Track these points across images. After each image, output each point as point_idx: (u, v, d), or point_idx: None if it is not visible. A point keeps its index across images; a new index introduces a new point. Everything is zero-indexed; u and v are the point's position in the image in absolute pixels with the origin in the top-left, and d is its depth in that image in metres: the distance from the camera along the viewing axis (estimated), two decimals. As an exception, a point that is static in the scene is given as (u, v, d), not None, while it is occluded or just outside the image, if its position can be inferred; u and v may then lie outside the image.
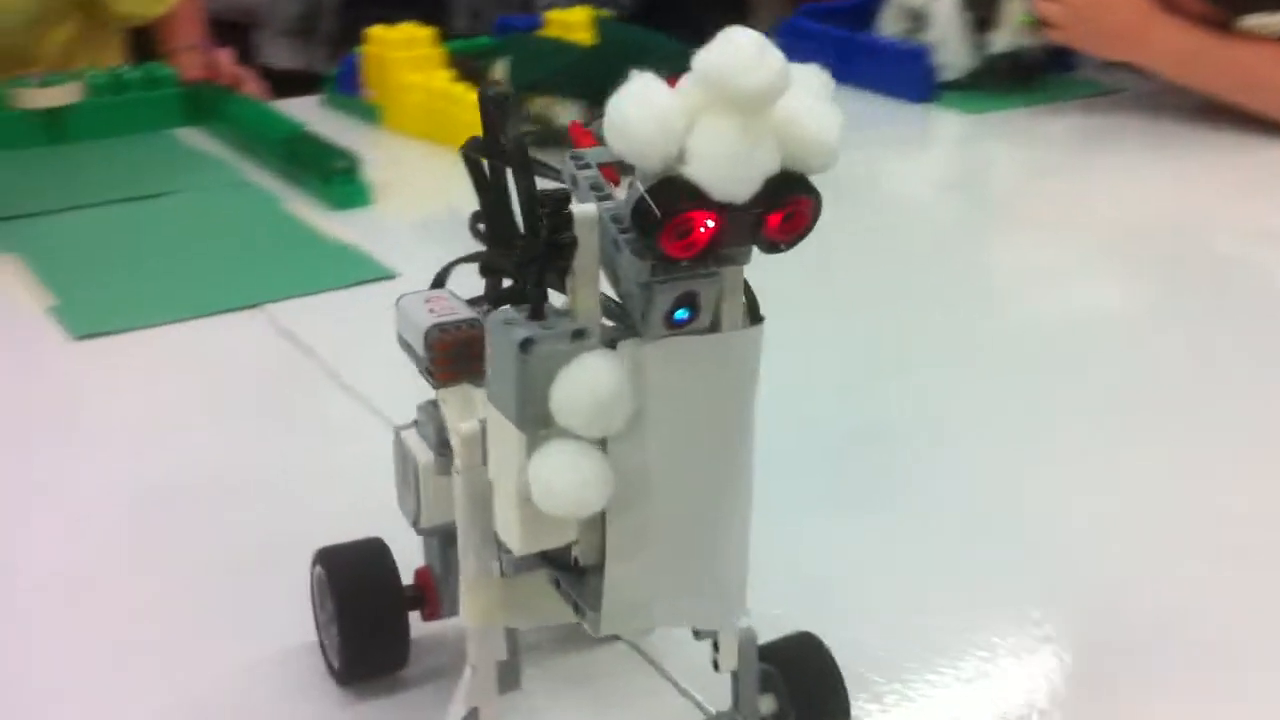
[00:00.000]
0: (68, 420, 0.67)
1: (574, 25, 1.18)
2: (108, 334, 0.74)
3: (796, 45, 1.30)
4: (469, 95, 1.06)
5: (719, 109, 0.30)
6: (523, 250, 0.35)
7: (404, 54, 1.13)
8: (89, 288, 0.80)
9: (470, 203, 0.39)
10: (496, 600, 0.37)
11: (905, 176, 1.12)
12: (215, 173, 1.02)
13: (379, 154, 1.04)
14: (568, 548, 0.35)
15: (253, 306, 0.78)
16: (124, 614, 0.51)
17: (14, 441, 0.64)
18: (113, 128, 1.11)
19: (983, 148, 1.18)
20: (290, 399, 0.69)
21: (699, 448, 0.34)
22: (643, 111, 0.31)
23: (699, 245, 0.31)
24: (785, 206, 0.32)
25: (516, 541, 0.34)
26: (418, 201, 0.98)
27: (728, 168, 0.30)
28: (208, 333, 0.75)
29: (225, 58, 1.20)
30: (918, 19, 1.26)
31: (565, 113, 1.04)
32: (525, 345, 0.32)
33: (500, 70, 1.09)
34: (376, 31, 1.15)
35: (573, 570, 0.35)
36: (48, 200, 0.95)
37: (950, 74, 1.23)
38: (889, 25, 1.29)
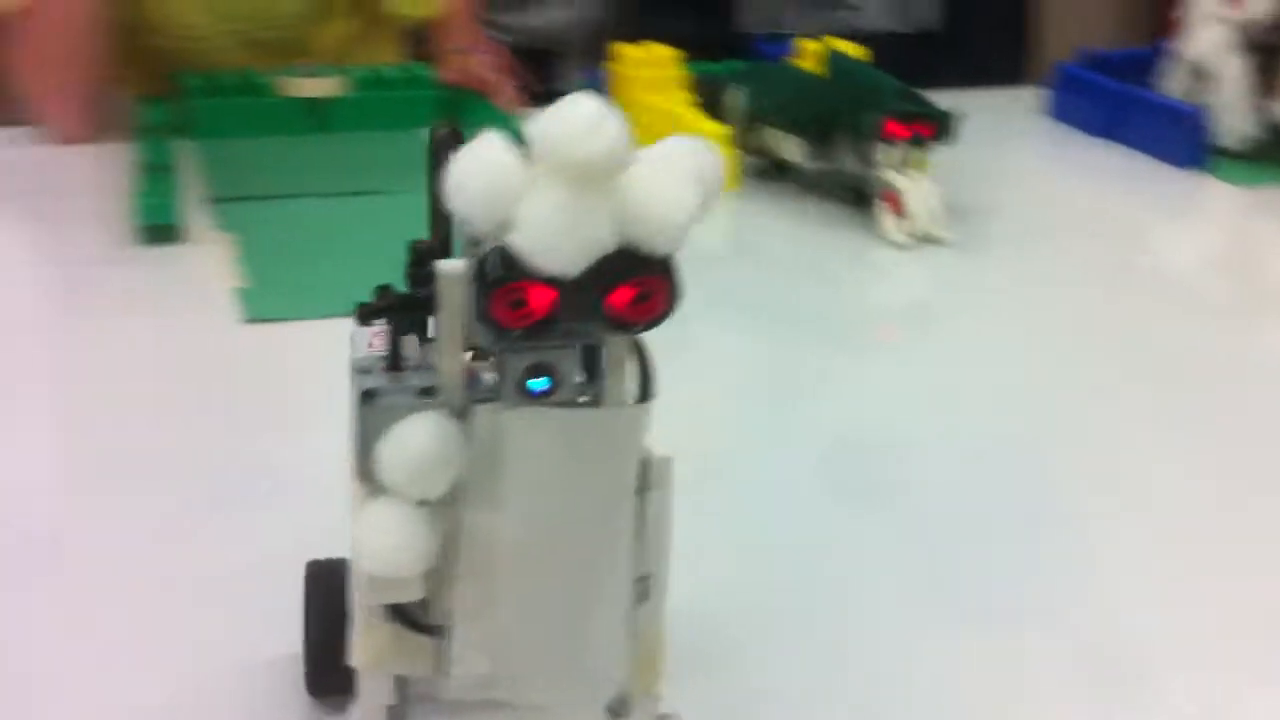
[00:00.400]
0: (208, 400, 0.70)
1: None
2: (276, 320, 0.78)
3: (1069, 93, 1.24)
4: (698, 121, 1.06)
5: (552, 177, 0.29)
6: (378, 299, 0.34)
7: (644, 73, 1.14)
8: (277, 274, 0.85)
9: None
10: (388, 644, 0.37)
11: (1163, 246, 1.05)
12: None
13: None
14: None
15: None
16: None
17: (155, 412, 0.68)
18: (371, 122, 1.17)
19: (1256, 225, 1.09)
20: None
21: (563, 522, 0.33)
22: (477, 172, 0.30)
23: (535, 316, 0.30)
24: (628, 285, 0.30)
25: (359, 592, 0.34)
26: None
27: (549, 239, 0.29)
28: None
29: (486, 63, 1.23)
30: (1202, 78, 1.17)
31: (789, 146, 1.03)
32: (366, 396, 0.32)
33: (735, 98, 1.08)
34: (623, 49, 1.16)
35: (423, 628, 0.34)
36: (283, 185, 1.01)
37: (1228, 141, 1.14)
38: (1171, 82, 1.20)
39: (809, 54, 1.19)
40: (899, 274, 0.93)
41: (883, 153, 0.95)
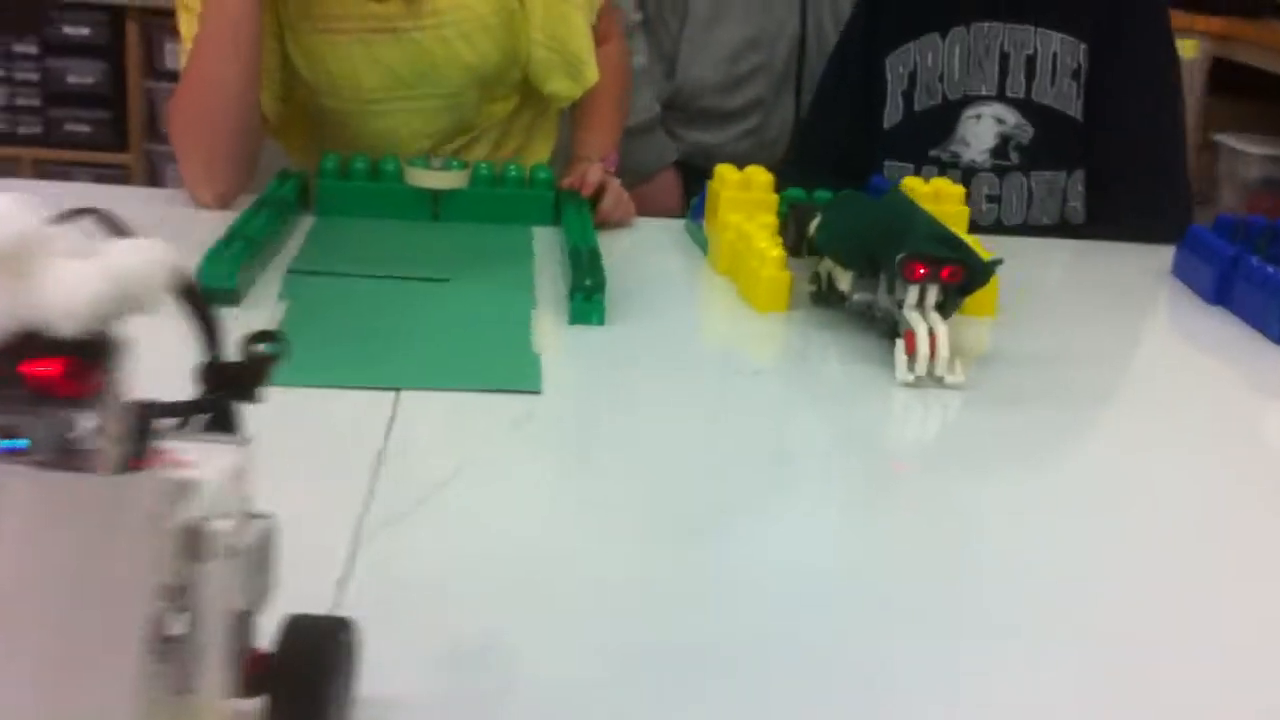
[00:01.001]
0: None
1: (922, 194, 1.16)
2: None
3: (1191, 253, 1.19)
4: (762, 242, 1.08)
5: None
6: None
7: (734, 193, 1.17)
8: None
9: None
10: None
11: (1252, 426, 0.99)
12: (514, 270, 1.11)
13: (675, 283, 1.10)
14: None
15: (390, 389, 0.86)
16: None
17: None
18: (484, 215, 1.25)
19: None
20: (318, 474, 0.75)
21: (35, 583, 0.37)
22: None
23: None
24: (35, 360, 0.34)
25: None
26: (654, 331, 1.02)
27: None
28: (320, 402, 0.83)
29: (597, 170, 1.29)
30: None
31: (843, 276, 1.04)
32: None
33: (815, 226, 1.09)
34: (722, 169, 1.20)
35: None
36: (361, 265, 1.09)
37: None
38: (1299, 252, 1.14)
39: (910, 191, 1.19)
40: (903, 413, 0.92)
41: (907, 292, 0.95)
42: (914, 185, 1.19)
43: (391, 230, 1.21)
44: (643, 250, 1.25)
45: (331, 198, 1.23)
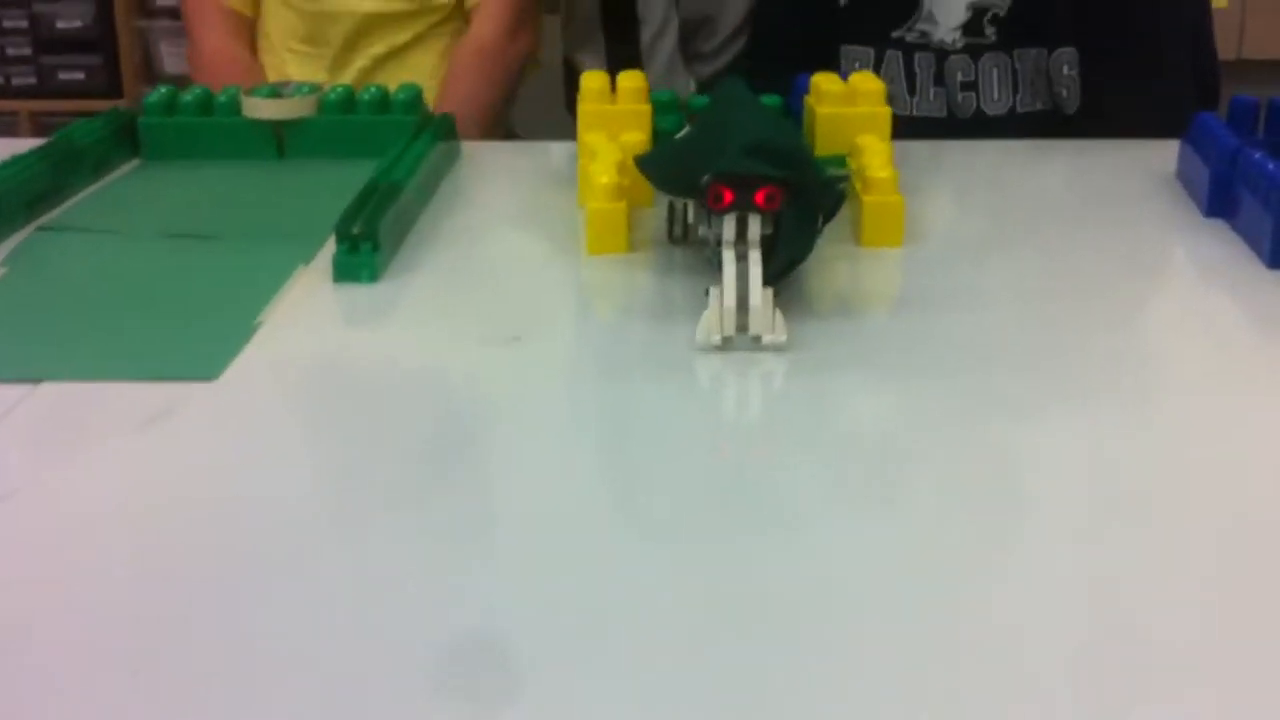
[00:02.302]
0: None
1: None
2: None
3: (1194, 151, 0.92)
4: (595, 168, 0.86)
5: None
6: None
7: (595, 106, 0.95)
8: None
9: None
10: None
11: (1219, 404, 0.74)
12: (315, 218, 0.91)
13: (524, 222, 0.90)
14: None
15: (32, 381, 0.68)
16: None
17: None
18: (337, 149, 1.06)
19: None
20: None
21: None
22: None
23: None
24: None
25: None
26: (436, 288, 0.81)
27: None
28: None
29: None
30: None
31: (692, 207, 0.81)
32: None
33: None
34: (587, 77, 0.97)
35: None
36: (129, 222, 0.92)
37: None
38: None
39: (817, 89, 0.96)
40: (684, 389, 0.70)
41: (722, 224, 0.73)
42: (823, 82, 0.95)
43: (216, 175, 1.03)
44: (523, 181, 1.04)
45: (157, 139, 1.06)
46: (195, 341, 0.72)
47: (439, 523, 0.55)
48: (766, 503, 0.57)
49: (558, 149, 1.11)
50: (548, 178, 1.02)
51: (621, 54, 1.27)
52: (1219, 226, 0.87)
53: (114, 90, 2.26)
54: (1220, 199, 0.88)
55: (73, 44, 2.29)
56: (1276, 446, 0.62)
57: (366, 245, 0.81)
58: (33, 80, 2.30)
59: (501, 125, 1.36)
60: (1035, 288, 0.79)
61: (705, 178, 0.72)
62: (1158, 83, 1.08)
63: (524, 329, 0.74)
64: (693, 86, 1.35)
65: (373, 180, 0.88)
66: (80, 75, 2.29)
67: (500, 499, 0.58)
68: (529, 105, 1.46)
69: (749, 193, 0.71)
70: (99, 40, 2.27)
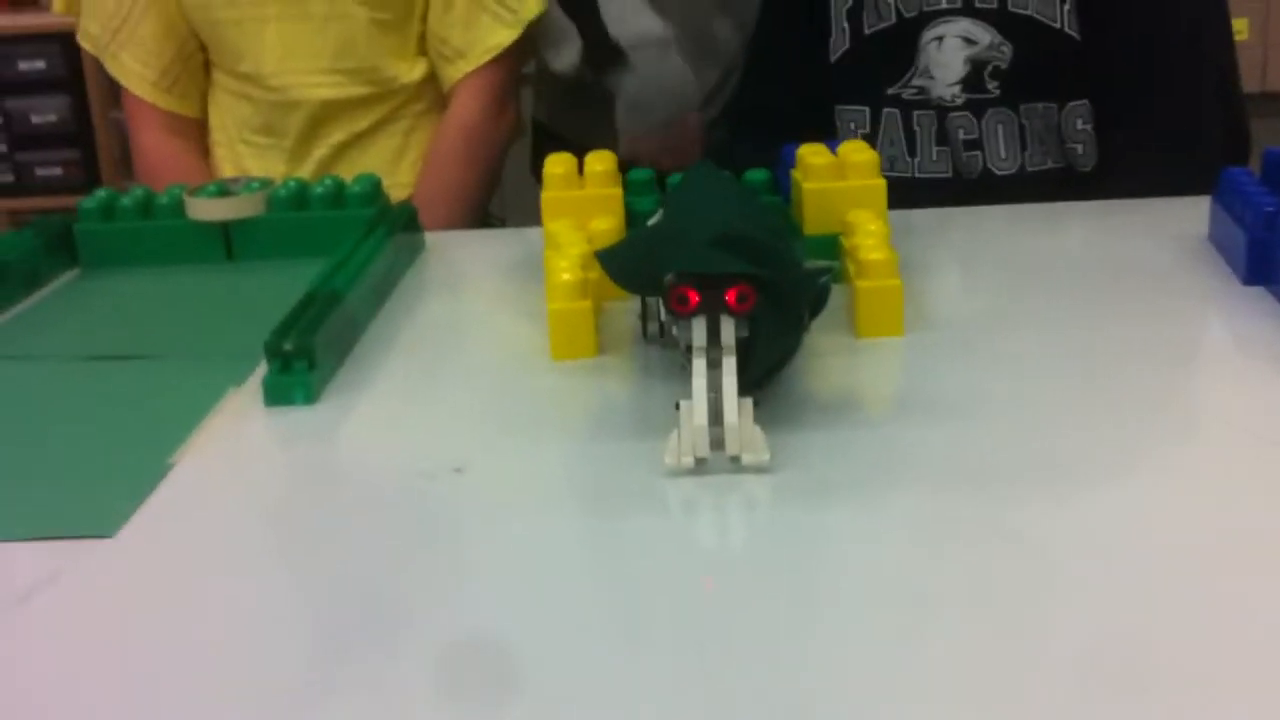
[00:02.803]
0: None
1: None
2: None
3: (1226, 210, 0.83)
4: (558, 262, 0.77)
5: None
6: None
7: (558, 193, 0.86)
8: None
9: None
10: None
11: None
12: (256, 331, 0.83)
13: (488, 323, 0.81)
14: None
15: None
16: None
17: None
18: (289, 249, 0.97)
19: None
20: None
21: None
22: None
23: None
24: None
25: None
26: (378, 410, 0.72)
27: None
28: None
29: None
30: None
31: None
32: None
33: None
34: (552, 160, 0.89)
35: None
36: (56, 343, 0.83)
37: None
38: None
39: (803, 162, 0.87)
40: (657, 519, 0.60)
41: (691, 330, 0.63)
42: (809, 155, 0.86)
43: (158, 283, 0.94)
44: (492, 274, 0.96)
45: (95, 246, 0.98)
46: (94, 489, 0.63)
47: (364, 705, 0.46)
48: (739, 664, 0.47)
49: (533, 236, 1.02)
50: (519, 269, 0.94)
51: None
52: (1260, 296, 0.78)
53: (93, 184, 2.20)
54: (1260, 264, 0.78)
55: (49, 139, 2.23)
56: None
57: (300, 363, 0.72)
58: (10, 178, 2.23)
59: (483, 209, 1.27)
60: (1054, 384, 0.70)
61: (668, 277, 0.63)
62: (1181, 134, 0.98)
63: (472, 455, 0.65)
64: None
65: (311, 288, 0.79)
66: (58, 170, 2.22)
67: (439, 666, 0.49)
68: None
69: (717, 293, 0.62)
70: (76, 134, 2.21)
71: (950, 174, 1.03)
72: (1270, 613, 0.49)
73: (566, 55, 1.16)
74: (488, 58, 1.18)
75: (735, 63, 1.24)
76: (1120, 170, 0.99)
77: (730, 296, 0.62)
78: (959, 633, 0.49)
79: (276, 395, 0.72)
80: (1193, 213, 0.89)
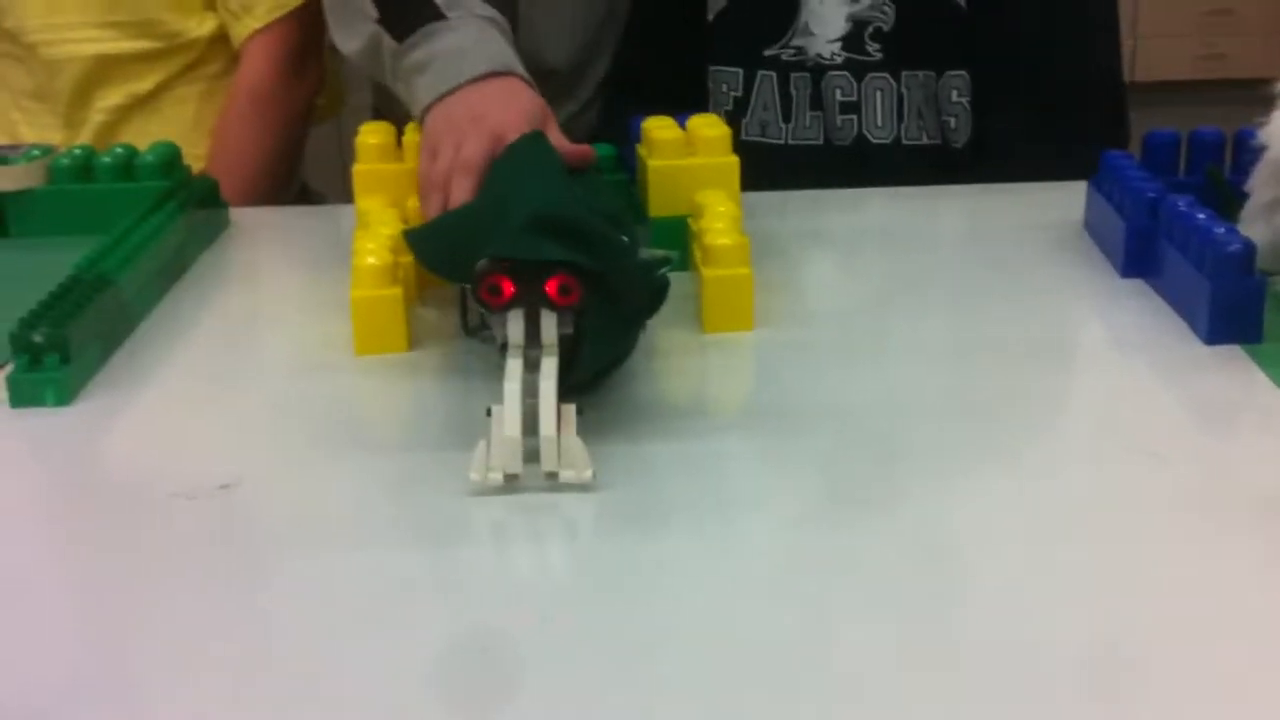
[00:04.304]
0: None
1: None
2: None
3: (1105, 197, 0.76)
4: (362, 243, 0.67)
5: None
6: None
7: (373, 166, 0.76)
8: None
9: None
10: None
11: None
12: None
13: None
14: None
15: None
16: None
17: None
18: (71, 225, 0.86)
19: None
20: None
21: None
22: None
23: None
24: None
25: None
26: (139, 414, 0.62)
27: None
28: None
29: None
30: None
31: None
32: None
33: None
34: (368, 128, 0.79)
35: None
36: None
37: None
38: (1259, 188, 0.71)
39: (648, 136, 0.78)
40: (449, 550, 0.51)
41: (506, 325, 0.54)
42: (656, 129, 0.77)
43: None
44: (301, 256, 0.86)
45: None
46: None
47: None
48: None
49: (350, 214, 0.92)
50: (331, 250, 0.83)
51: None
52: (1139, 289, 0.71)
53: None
54: (1139, 257, 0.72)
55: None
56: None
57: (52, 358, 0.62)
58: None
59: (289, 182, 1.15)
60: (914, 386, 0.62)
61: (480, 263, 0.53)
62: (1057, 114, 0.91)
63: (246, 470, 0.55)
64: None
65: (75, 270, 0.68)
66: None
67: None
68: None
69: (536, 283, 0.53)
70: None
71: (822, 140, 0.95)
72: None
73: (356, 39, 1.02)
74: (278, 13, 1.07)
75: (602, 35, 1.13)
76: (997, 150, 0.92)
77: (550, 288, 0.53)
78: (803, 688, 0.41)
79: (23, 395, 0.61)
80: (1068, 198, 0.82)
